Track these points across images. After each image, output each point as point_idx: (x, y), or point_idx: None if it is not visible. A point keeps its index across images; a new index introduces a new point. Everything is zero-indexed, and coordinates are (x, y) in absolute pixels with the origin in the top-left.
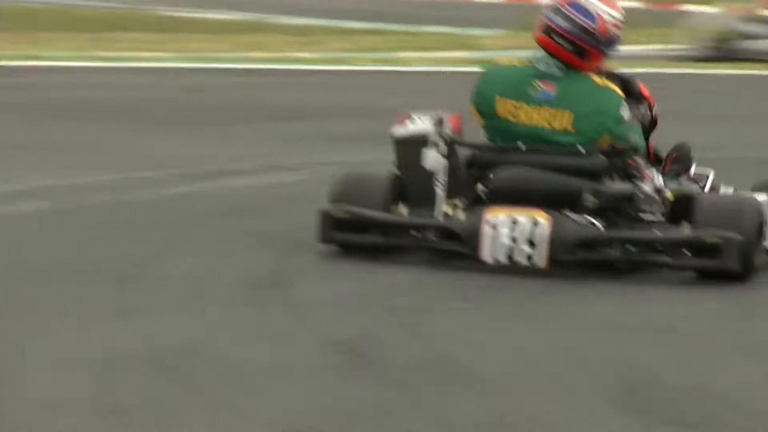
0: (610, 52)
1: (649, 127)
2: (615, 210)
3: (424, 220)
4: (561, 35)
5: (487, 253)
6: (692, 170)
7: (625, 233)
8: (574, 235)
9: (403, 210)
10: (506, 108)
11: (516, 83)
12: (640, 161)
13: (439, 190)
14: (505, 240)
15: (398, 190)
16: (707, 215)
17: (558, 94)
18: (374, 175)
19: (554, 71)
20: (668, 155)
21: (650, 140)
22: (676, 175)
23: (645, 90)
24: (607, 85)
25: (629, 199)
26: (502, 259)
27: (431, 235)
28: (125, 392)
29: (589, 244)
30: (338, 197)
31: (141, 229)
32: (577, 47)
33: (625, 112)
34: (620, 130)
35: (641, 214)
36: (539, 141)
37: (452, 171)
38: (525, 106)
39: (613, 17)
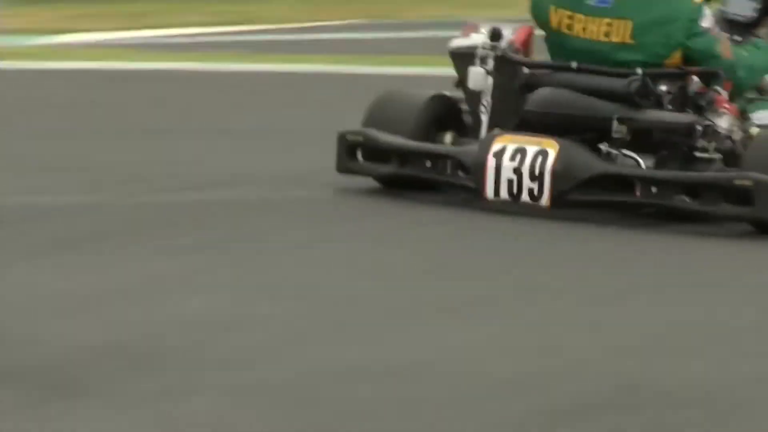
0: None
1: None
2: (663, 143)
3: (436, 148)
4: None
5: (489, 189)
6: None
7: (642, 171)
8: (585, 170)
9: (448, 137)
10: (560, 19)
11: None
12: (719, 89)
13: (483, 114)
14: (509, 173)
15: (445, 112)
16: (757, 155)
17: (616, 3)
18: (411, 97)
19: None
20: None
21: None
22: None
23: None
24: None
25: (679, 131)
26: (504, 195)
27: (446, 166)
28: None
29: (601, 180)
30: (371, 121)
31: None
32: None
33: (706, 21)
34: (697, 43)
35: (696, 152)
36: (597, 58)
37: (501, 92)
38: (580, 16)
39: None
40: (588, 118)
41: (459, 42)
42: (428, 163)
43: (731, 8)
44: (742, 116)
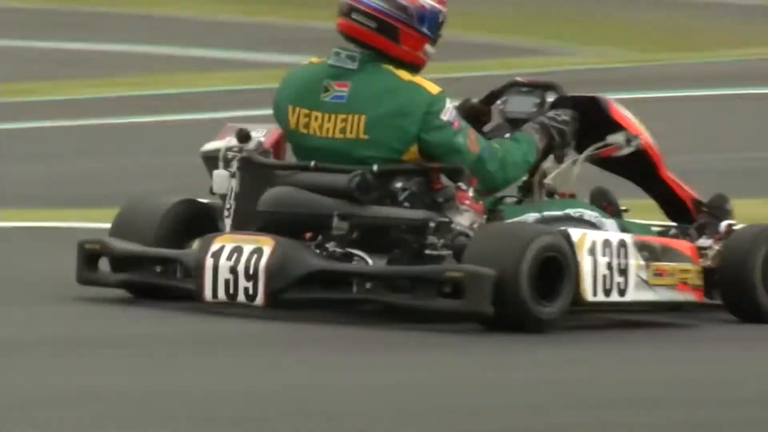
0: (432, 34)
1: (630, 158)
2: (395, 241)
3: (161, 252)
4: (362, 12)
5: (208, 291)
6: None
7: (354, 266)
8: (299, 267)
9: (195, 243)
10: (298, 118)
11: (307, 87)
12: (462, 185)
13: (227, 219)
14: (226, 273)
15: (197, 219)
16: (477, 247)
17: (351, 94)
18: (158, 202)
19: (348, 64)
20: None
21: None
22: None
23: (618, 112)
24: (414, 80)
25: (408, 228)
26: (222, 296)
27: (177, 272)
28: None
29: (320, 277)
30: (118, 229)
31: None
32: (383, 24)
33: (446, 114)
34: (435, 137)
35: (427, 249)
36: (336, 156)
37: (246, 194)
38: (317, 113)
39: None
40: (311, 215)
41: (210, 145)
42: (158, 269)
43: (511, 107)
44: (492, 214)
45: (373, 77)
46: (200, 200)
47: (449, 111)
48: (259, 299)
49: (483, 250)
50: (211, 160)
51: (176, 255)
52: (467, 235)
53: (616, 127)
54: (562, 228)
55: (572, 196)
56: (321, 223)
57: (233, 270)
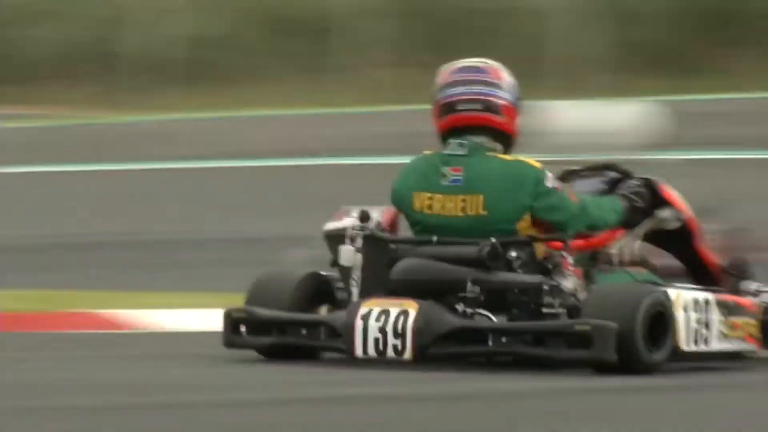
0: (520, 104)
1: (672, 232)
2: (514, 303)
3: (310, 317)
4: (465, 101)
5: (359, 348)
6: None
7: (493, 323)
8: (442, 325)
9: (323, 310)
10: (422, 201)
11: (426, 174)
12: (565, 254)
13: (354, 287)
14: (375, 333)
15: (321, 289)
16: (596, 304)
17: (466, 177)
18: (287, 275)
19: (458, 150)
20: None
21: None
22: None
23: (668, 192)
24: (519, 159)
25: (528, 291)
26: (372, 352)
27: (321, 334)
28: None
29: (459, 335)
30: (253, 299)
31: None
32: (487, 104)
33: (550, 182)
34: (544, 201)
35: (543, 308)
36: (456, 231)
37: (370, 266)
38: (438, 195)
39: (496, 64)
40: (445, 281)
41: (332, 225)
42: (303, 332)
43: (581, 188)
44: (586, 278)
45: (482, 160)
46: (323, 273)
47: (551, 178)
48: (407, 354)
49: (602, 307)
50: (334, 238)
51: (325, 318)
52: (575, 296)
53: (664, 204)
54: (662, 288)
55: (636, 264)
56: (455, 287)
57: (382, 330)
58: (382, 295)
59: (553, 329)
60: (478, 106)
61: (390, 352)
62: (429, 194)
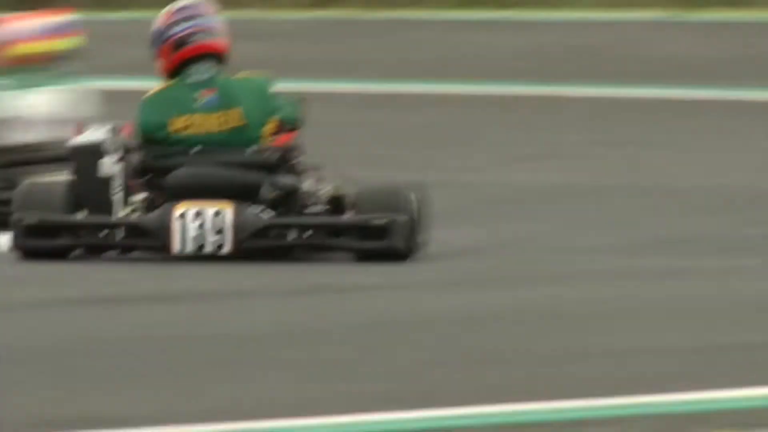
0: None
1: None
2: (285, 202)
3: (118, 220)
4: (193, 33)
5: (177, 246)
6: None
7: (303, 219)
8: (257, 222)
9: (81, 216)
10: (179, 125)
11: (177, 100)
12: (300, 159)
13: (117, 195)
14: (194, 231)
15: (75, 198)
16: (369, 202)
17: (221, 95)
18: (54, 183)
19: (206, 76)
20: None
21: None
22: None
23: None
24: (246, 74)
25: (296, 192)
26: (192, 249)
27: (121, 234)
28: None
29: (270, 230)
30: (22, 206)
31: None
32: (210, 32)
33: (273, 87)
34: (279, 104)
35: (307, 207)
36: (217, 143)
37: (126, 177)
38: (197, 116)
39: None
40: (239, 185)
41: (79, 139)
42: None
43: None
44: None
45: (227, 80)
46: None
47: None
48: (227, 248)
49: (375, 203)
50: (81, 152)
51: (135, 221)
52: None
53: None
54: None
55: None
56: (249, 191)
57: (201, 227)
58: (144, 203)
59: (351, 224)
60: (205, 36)
61: (209, 248)
62: (185, 117)
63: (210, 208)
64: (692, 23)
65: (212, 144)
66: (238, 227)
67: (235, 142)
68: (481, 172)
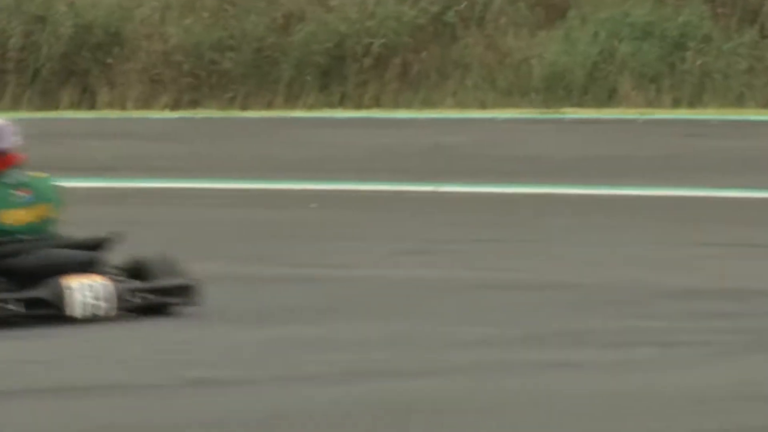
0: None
1: None
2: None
3: (9, 294)
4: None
5: (76, 311)
6: None
7: (143, 285)
8: (127, 288)
9: None
10: (10, 217)
11: (1, 198)
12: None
13: None
14: (90, 300)
15: None
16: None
17: (36, 194)
18: None
19: (22, 179)
20: None
21: None
22: None
23: None
24: (38, 174)
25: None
26: (87, 314)
27: (16, 306)
28: None
29: (132, 294)
30: None
31: None
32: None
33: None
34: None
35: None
36: (32, 232)
37: None
38: (21, 210)
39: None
40: (77, 262)
41: None
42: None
43: None
44: None
45: (35, 181)
46: None
47: None
48: (113, 312)
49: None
50: None
51: (33, 294)
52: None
53: None
54: None
55: None
56: (86, 266)
57: (96, 297)
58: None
59: (174, 286)
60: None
61: (102, 312)
62: (13, 210)
63: (95, 282)
64: (556, 121)
65: (30, 232)
66: (119, 295)
67: (44, 230)
68: (355, 268)
